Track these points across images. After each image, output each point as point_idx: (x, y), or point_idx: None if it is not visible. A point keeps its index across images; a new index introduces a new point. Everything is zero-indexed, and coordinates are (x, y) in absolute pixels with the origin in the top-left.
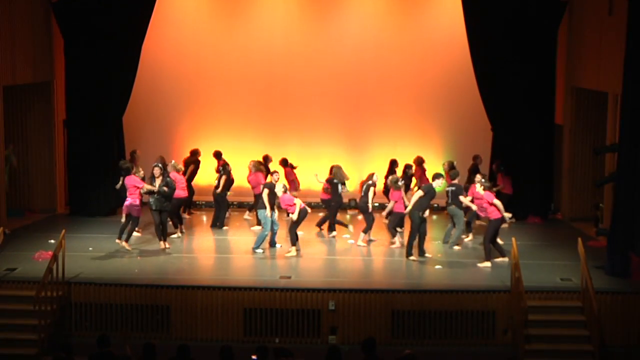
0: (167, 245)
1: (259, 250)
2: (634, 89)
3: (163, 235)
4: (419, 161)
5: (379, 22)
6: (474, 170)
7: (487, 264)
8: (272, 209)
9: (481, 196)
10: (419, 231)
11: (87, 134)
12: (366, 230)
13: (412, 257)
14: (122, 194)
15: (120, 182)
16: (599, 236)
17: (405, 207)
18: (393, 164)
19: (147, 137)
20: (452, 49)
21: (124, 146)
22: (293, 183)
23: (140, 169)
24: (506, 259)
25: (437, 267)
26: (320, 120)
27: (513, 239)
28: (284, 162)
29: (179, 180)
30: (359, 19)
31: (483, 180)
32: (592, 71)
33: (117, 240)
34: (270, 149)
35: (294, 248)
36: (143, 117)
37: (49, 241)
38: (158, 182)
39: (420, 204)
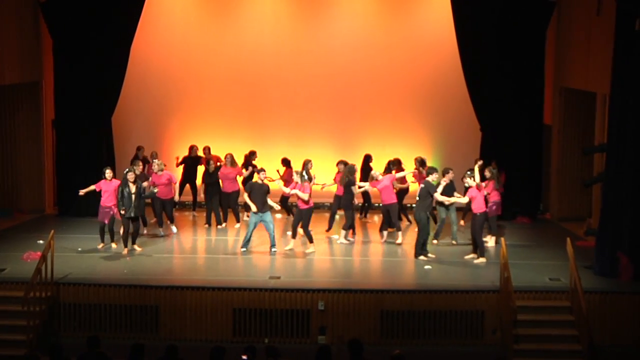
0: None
1: (243, 249)
2: (622, 89)
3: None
4: (398, 162)
5: (368, 23)
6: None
7: (483, 259)
8: (260, 209)
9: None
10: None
11: (76, 134)
12: (346, 227)
13: (421, 257)
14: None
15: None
16: (587, 236)
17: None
18: (367, 159)
19: (137, 137)
20: (441, 49)
21: (113, 146)
22: (288, 184)
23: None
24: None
25: (427, 267)
26: (309, 121)
27: (502, 239)
28: (286, 162)
29: (171, 176)
30: (348, 19)
31: (470, 172)
32: (581, 71)
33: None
34: (259, 148)
35: (312, 245)
36: (132, 117)
37: (38, 242)
38: (133, 187)
39: (424, 204)
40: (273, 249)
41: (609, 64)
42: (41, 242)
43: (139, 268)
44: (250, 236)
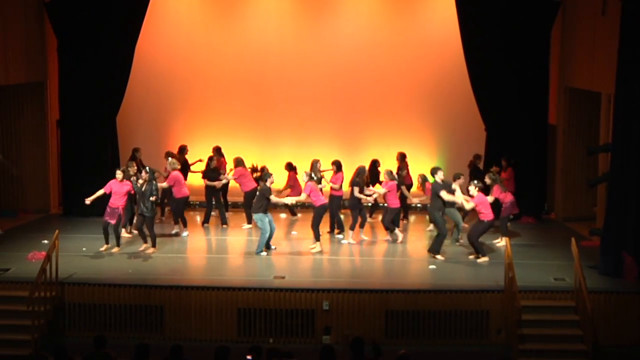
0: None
1: (264, 254)
2: (627, 88)
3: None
4: (402, 157)
5: (373, 22)
6: (474, 170)
7: (485, 258)
8: (265, 212)
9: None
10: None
11: (81, 134)
12: (352, 227)
13: (438, 256)
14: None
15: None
16: (592, 236)
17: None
18: (374, 163)
19: (141, 137)
20: (446, 49)
21: (117, 146)
22: (294, 189)
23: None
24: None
25: (431, 267)
26: (314, 121)
27: (507, 238)
28: (290, 167)
29: (180, 178)
30: (353, 19)
31: (476, 181)
32: (586, 71)
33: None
34: (264, 148)
35: (318, 244)
36: (137, 117)
37: (43, 241)
38: (144, 185)
39: (436, 204)
40: (273, 247)
41: (613, 64)
42: (46, 242)
43: (143, 268)
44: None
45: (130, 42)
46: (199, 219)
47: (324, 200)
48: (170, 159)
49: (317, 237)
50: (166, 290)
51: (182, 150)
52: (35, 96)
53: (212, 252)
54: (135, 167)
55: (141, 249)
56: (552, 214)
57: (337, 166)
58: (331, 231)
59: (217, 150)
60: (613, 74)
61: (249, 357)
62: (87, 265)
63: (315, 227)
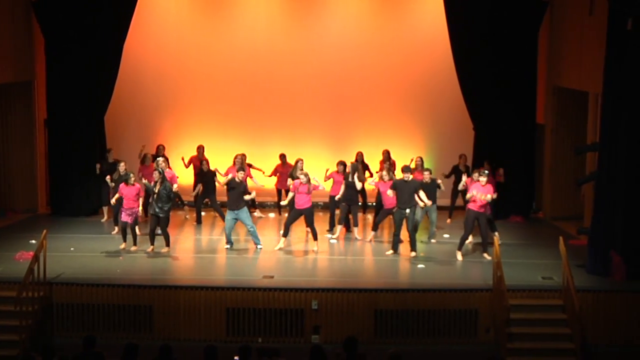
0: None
1: (260, 246)
2: (614, 88)
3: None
4: (387, 155)
5: (362, 22)
6: (460, 170)
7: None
8: (235, 207)
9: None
10: (401, 226)
11: (69, 133)
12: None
13: (389, 252)
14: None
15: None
16: (580, 235)
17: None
18: (361, 156)
19: (129, 136)
20: (435, 48)
21: (105, 145)
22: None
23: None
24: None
25: (420, 266)
26: (303, 120)
27: (495, 237)
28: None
29: (174, 176)
30: (342, 18)
31: (485, 172)
32: (573, 71)
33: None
34: (253, 148)
35: (283, 240)
36: (125, 117)
37: (30, 241)
38: (158, 186)
39: (399, 200)
40: (259, 247)
41: (601, 64)
42: (34, 241)
43: (132, 268)
44: (229, 234)
45: (118, 41)
46: (187, 217)
47: (306, 204)
48: (159, 158)
49: (284, 234)
50: (155, 290)
51: (157, 149)
52: (23, 95)
53: (200, 251)
54: (124, 167)
55: (149, 250)
56: (540, 213)
57: (344, 166)
58: (330, 229)
59: (202, 150)
60: (600, 73)
61: (236, 357)
62: (75, 265)
63: (287, 223)
